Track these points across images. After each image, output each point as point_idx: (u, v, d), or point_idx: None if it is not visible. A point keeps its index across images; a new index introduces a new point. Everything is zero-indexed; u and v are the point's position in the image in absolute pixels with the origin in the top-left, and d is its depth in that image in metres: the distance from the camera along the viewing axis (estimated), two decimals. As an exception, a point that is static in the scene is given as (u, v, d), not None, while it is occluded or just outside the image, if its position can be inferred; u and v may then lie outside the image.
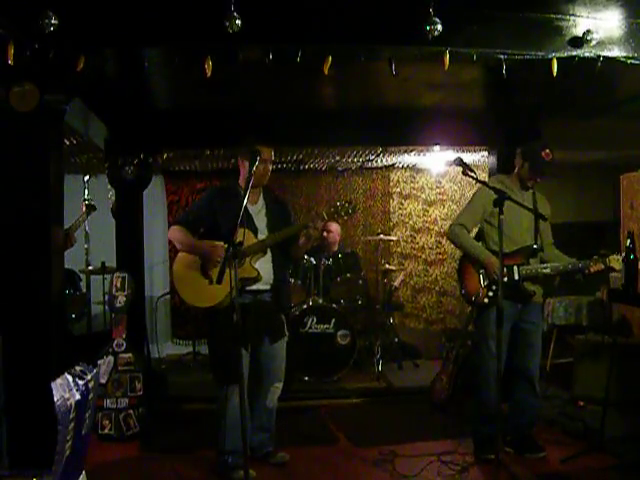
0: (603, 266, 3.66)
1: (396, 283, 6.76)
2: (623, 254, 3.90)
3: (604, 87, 4.28)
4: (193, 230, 3.61)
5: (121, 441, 4.21)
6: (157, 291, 6.96)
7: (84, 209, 5.40)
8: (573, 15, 3.24)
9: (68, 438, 2.01)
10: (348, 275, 5.94)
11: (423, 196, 7.26)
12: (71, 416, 2.01)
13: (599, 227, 5.05)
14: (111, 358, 4.34)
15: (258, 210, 3.67)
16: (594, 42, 3.21)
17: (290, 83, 4.17)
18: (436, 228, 7.27)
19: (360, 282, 6.06)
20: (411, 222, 7.26)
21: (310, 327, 5.59)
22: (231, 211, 3.18)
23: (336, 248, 6.40)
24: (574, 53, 3.26)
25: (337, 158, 6.43)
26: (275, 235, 3.60)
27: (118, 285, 4.49)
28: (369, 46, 3.26)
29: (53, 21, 2.86)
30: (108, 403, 4.27)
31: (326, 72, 3.15)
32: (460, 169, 3.52)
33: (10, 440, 3.17)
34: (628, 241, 3.92)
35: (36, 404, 3.02)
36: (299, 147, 5.83)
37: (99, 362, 4.29)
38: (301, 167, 6.85)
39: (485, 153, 5.85)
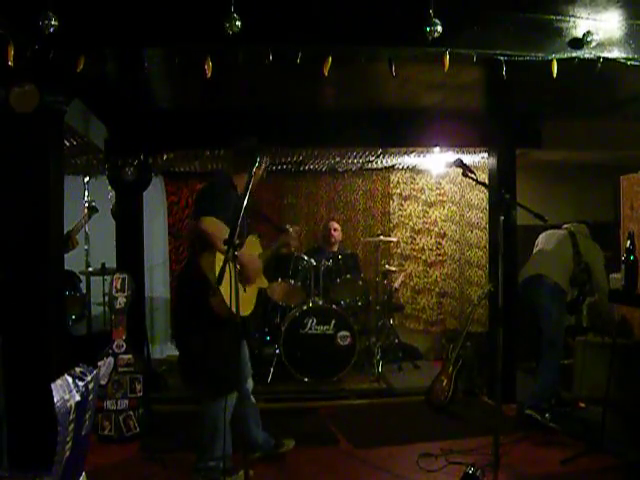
0: None
1: (396, 284, 6.76)
2: (623, 255, 3.90)
3: (604, 88, 4.28)
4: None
5: (121, 442, 4.21)
6: (157, 292, 6.97)
7: (86, 211, 5.41)
8: (573, 16, 3.24)
9: (68, 439, 2.01)
10: (348, 276, 5.93)
11: (423, 197, 7.25)
12: (71, 417, 2.01)
13: (599, 228, 5.05)
14: (111, 359, 4.33)
15: None
16: (594, 43, 3.20)
17: (290, 84, 4.18)
18: (436, 229, 7.26)
19: (360, 283, 6.05)
20: (411, 223, 7.25)
21: (310, 328, 5.59)
22: (231, 210, 3.09)
23: (336, 248, 6.43)
24: (574, 54, 3.25)
25: (337, 159, 6.43)
26: (264, 254, 3.70)
27: (118, 286, 4.49)
28: (369, 47, 3.26)
29: (53, 22, 2.85)
30: (108, 404, 4.27)
31: (326, 73, 3.14)
32: (460, 170, 3.53)
33: (10, 440, 3.16)
34: (628, 242, 3.92)
35: (36, 405, 3.02)
36: (299, 148, 5.83)
37: (99, 363, 4.28)
38: (301, 168, 6.84)
39: (485, 154, 5.85)
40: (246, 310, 3.45)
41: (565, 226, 4.83)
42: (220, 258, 3.03)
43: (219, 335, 3.28)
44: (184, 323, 3.47)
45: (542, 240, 4.93)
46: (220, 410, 3.31)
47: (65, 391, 2.01)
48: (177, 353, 6.75)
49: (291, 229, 4.01)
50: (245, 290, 3.41)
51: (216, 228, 3.14)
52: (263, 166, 3.55)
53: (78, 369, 2.20)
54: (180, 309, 3.59)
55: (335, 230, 6.45)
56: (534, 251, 4.95)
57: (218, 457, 3.36)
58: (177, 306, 3.63)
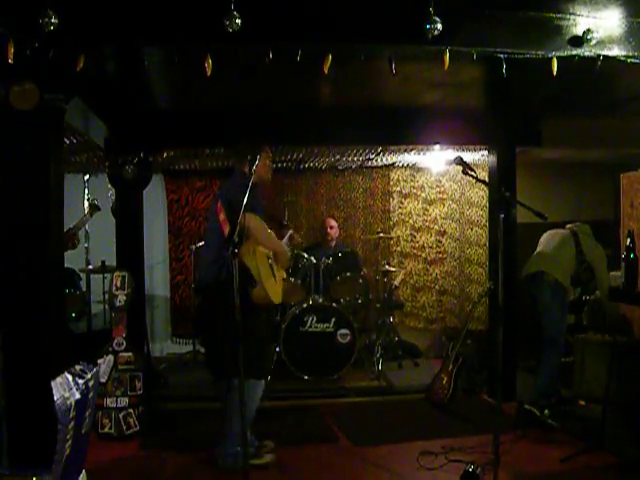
0: None
1: (396, 282, 6.76)
2: (623, 253, 3.91)
3: (604, 86, 4.28)
4: None
5: (121, 440, 4.21)
6: (157, 290, 6.97)
7: (88, 209, 5.40)
8: (573, 14, 3.24)
9: (68, 437, 2.02)
10: (348, 274, 5.94)
11: (423, 195, 7.25)
12: (71, 415, 2.01)
13: (599, 226, 5.05)
14: (111, 357, 4.34)
15: None
16: (594, 41, 3.20)
17: (290, 82, 4.17)
18: (436, 227, 7.25)
19: (360, 281, 6.05)
20: (411, 221, 7.25)
21: (310, 326, 5.59)
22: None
23: (334, 244, 6.44)
24: (574, 52, 3.25)
25: (337, 157, 6.43)
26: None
27: (118, 284, 4.49)
28: (369, 45, 3.26)
29: (53, 20, 2.85)
30: (108, 402, 4.27)
31: (326, 71, 3.14)
32: (460, 168, 3.53)
33: (10, 439, 3.16)
34: (628, 240, 3.93)
35: (36, 403, 3.02)
36: (299, 146, 5.82)
37: (99, 361, 4.29)
38: (301, 166, 6.84)
39: (485, 152, 5.85)
40: (278, 299, 3.74)
41: (568, 226, 4.83)
42: (260, 251, 3.57)
43: (259, 321, 3.63)
44: (224, 310, 3.38)
45: (545, 239, 4.94)
46: (258, 394, 3.58)
47: (65, 389, 2.01)
48: (176, 351, 6.87)
49: (291, 229, 4.58)
50: (276, 281, 3.72)
51: (263, 226, 3.60)
52: (265, 154, 3.77)
53: (78, 367, 2.20)
54: (219, 297, 3.55)
55: (331, 227, 6.47)
56: (536, 250, 4.95)
57: (245, 443, 3.25)
58: (215, 294, 3.62)
